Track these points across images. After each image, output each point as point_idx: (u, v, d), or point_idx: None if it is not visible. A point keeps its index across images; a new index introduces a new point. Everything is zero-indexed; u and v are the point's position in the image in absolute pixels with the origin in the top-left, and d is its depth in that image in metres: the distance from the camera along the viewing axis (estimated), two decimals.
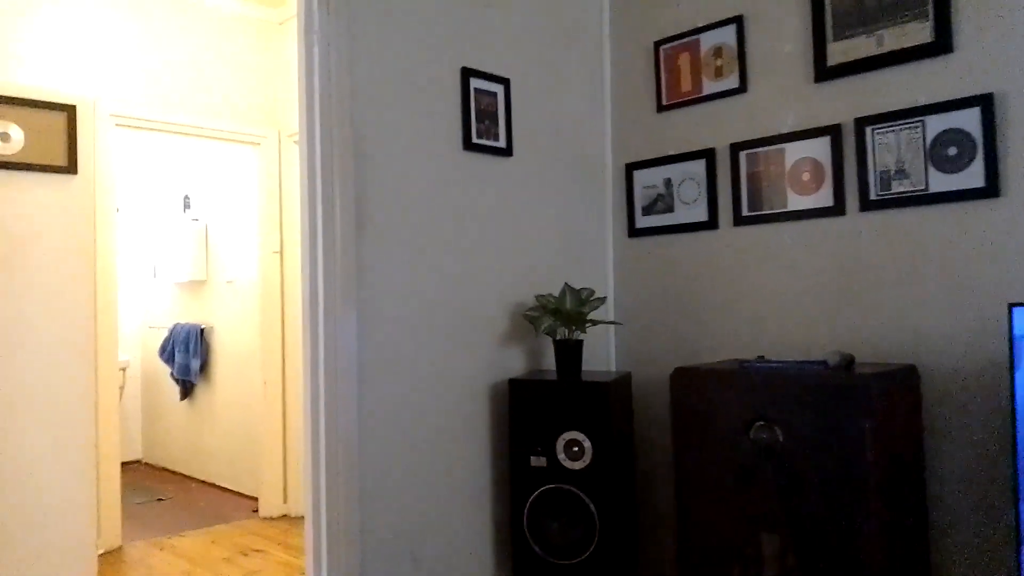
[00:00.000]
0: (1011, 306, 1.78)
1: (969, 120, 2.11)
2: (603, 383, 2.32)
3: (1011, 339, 1.78)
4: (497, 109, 2.61)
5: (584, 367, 2.80)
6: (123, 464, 5.43)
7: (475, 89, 2.54)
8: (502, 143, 2.62)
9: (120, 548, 3.86)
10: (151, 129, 4.04)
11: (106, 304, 3.76)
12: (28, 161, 3.18)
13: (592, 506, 2.29)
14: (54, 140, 3.26)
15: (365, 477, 2.21)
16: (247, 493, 4.89)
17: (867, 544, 1.84)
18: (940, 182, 2.17)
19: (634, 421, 2.85)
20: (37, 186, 3.21)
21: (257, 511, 4.49)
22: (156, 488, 5.26)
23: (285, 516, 4.42)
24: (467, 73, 2.52)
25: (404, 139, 2.36)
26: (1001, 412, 2.05)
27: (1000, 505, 2.06)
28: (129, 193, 6.09)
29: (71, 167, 3.29)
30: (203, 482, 5.38)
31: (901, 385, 2.04)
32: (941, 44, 2.15)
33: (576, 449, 2.33)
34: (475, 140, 2.54)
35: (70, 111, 3.31)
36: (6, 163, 3.13)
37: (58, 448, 3.24)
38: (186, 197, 5.59)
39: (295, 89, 2.30)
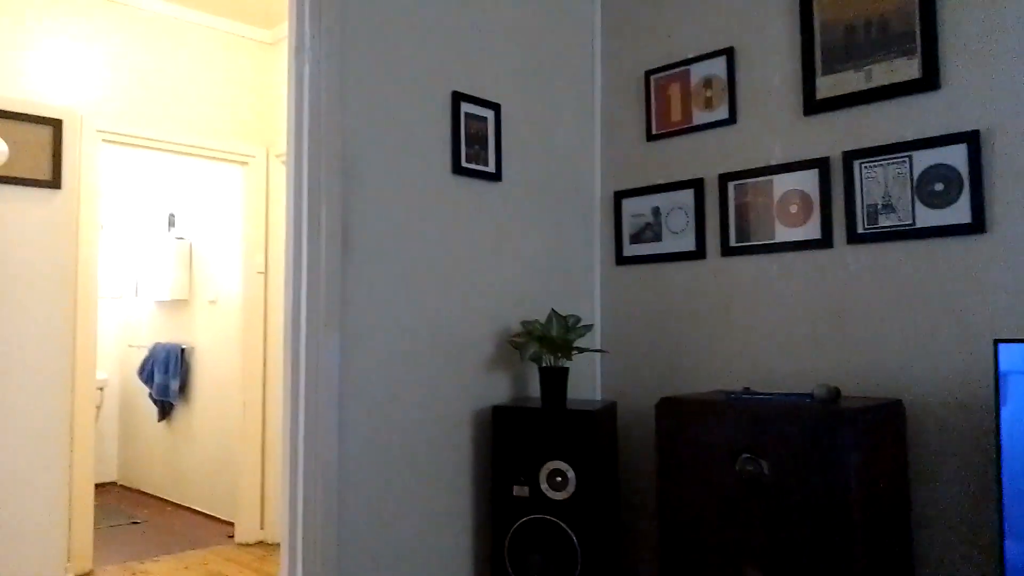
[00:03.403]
0: (996, 342, 1.77)
1: (955, 156, 2.12)
2: (588, 412, 2.29)
3: (996, 375, 1.77)
4: (487, 134, 2.61)
5: (569, 395, 2.77)
6: (98, 486, 5.33)
7: (466, 113, 2.54)
8: (491, 168, 2.62)
9: (91, 572, 3.76)
10: (138, 145, 4.02)
11: (85, 321, 3.70)
12: (12, 175, 3.15)
13: (574, 538, 2.26)
14: (39, 154, 3.23)
15: (344, 504, 2.17)
16: (223, 518, 4.81)
17: None
18: (926, 217, 2.17)
19: (619, 451, 2.82)
20: (20, 200, 3.17)
21: (233, 536, 4.40)
22: (130, 511, 5.16)
23: (261, 542, 4.34)
24: (458, 97, 2.52)
25: (393, 161, 2.35)
26: (986, 448, 2.04)
27: (985, 541, 2.04)
28: (114, 210, 6.04)
29: (55, 182, 3.26)
30: (179, 505, 5.28)
31: (887, 419, 2.03)
32: (929, 81, 2.17)
33: (559, 479, 2.30)
34: (464, 164, 2.53)
35: (56, 125, 3.29)
36: None
37: (30, 467, 3.17)
38: (171, 215, 5.55)
39: (285, 109, 2.30)
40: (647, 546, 2.77)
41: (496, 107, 2.64)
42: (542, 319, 2.64)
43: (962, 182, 2.11)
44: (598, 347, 2.94)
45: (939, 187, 2.15)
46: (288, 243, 2.21)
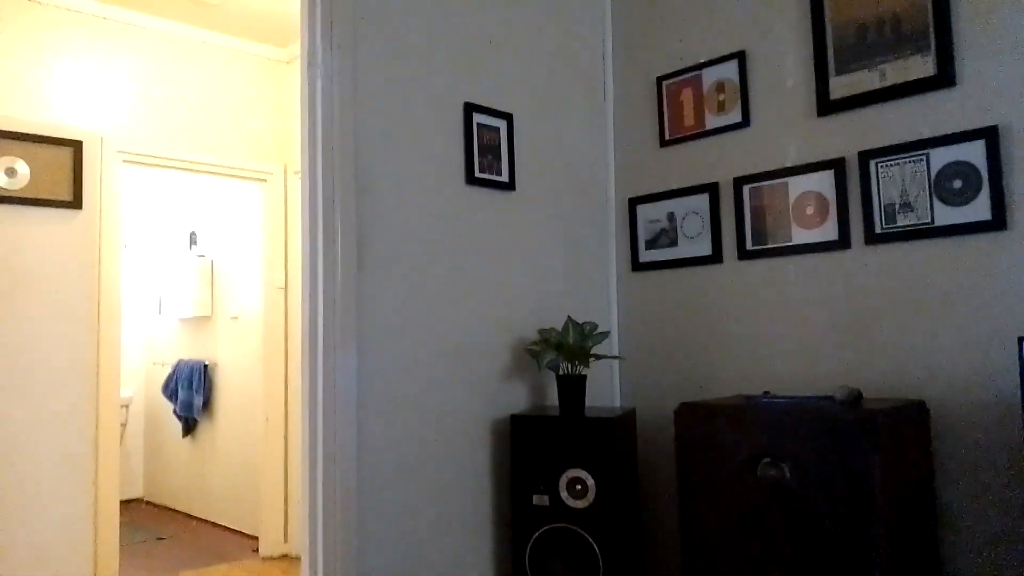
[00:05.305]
0: (1021, 339, 1.74)
1: (974, 152, 2.10)
2: (607, 419, 2.28)
3: (1022, 373, 1.74)
4: (500, 144, 2.61)
5: (588, 403, 2.76)
6: (124, 502, 5.38)
7: (478, 124, 2.55)
8: (505, 177, 2.62)
9: None
10: (158, 165, 4.07)
11: (109, 339, 3.74)
12: (33, 196, 3.20)
13: (596, 546, 2.24)
14: (60, 175, 3.28)
15: (364, 516, 2.17)
16: (248, 532, 4.82)
17: None
18: (946, 215, 2.14)
19: (638, 458, 2.80)
20: (42, 221, 3.23)
21: (257, 550, 4.42)
22: (156, 527, 5.19)
23: (286, 556, 4.35)
24: (470, 108, 2.53)
25: (406, 173, 2.36)
26: (1013, 447, 2.00)
27: (1013, 543, 2.00)
28: (136, 229, 6.12)
29: (76, 202, 3.31)
30: (204, 520, 5.31)
31: (910, 421, 2.00)
32: (944, 77, 2.15)
33: (579, 487, 2.28)
34: (478, 174, 2.54)
35: (76, 146, 3.34)
36: (12, 198, 3.15)
37: (56, 485, 3.20)
38: (192, 233, 5.61)
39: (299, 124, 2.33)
40: (669, 554, 2.74)
41: (508, 117, 2.65)
42: (559, 327, 2.63)
43: (981, 179, 2.08)
44: (616, 354, 2.93)
45: (958, 184, 2.12)
46: (304, 257, 2.23)
